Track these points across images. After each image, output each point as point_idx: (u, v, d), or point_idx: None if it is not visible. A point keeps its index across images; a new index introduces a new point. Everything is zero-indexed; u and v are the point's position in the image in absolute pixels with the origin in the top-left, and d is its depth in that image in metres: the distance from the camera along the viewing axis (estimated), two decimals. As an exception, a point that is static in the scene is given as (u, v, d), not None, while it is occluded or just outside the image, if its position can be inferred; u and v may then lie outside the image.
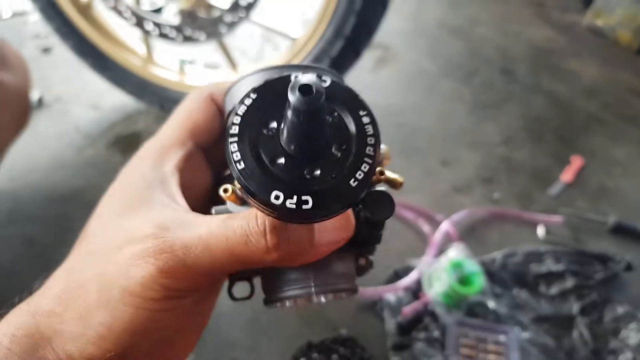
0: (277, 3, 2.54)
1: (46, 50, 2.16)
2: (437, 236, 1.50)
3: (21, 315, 0.42)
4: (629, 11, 2.54)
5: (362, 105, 0.41)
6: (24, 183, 1.60)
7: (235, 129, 0.39)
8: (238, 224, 0.42)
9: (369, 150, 0.39)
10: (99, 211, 0.50)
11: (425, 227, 1.54)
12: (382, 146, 0.49)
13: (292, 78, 0.41)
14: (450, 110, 2.07)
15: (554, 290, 1.42)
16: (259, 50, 2.28)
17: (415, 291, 1.38)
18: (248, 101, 0.40)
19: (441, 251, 1.47)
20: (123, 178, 0.52)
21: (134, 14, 1.59)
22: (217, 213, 0.48)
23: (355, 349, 1.22)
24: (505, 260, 1.45)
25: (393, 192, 0.45)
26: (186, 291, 0.43)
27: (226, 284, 0.54)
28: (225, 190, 0.41)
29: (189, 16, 1.55)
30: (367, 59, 2.28)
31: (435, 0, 2.89)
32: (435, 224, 1.56)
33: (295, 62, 1.57)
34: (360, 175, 0.38)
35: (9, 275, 1.34)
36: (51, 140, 1.76)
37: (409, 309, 1.32)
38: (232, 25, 1.54)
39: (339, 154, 0.39)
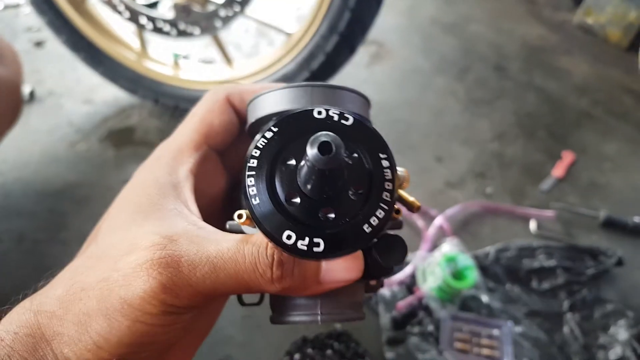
0: (271, -2, 2.54)
1: (39, 43, 2.14)
2: (431, 231, 1.51)
3: (24, 313, 0.42)
4: (618, 9, 2.56)
5: (383, 148, 0.40)
6: (15, 177, 1.59)
7: (253, 163, 0.39)
8: (249, 251, 0.41)
9: (385, 196, 0.38)
10: (111, 212, 0.50)
11: (419, 222, 1.55)
12: (401, 169, 0.47)
13: (315, 114, 0.40)
14: (443, 106, 2.07)
15: (546, 285, 1.43)
16: (254, 45, 2.27)
17: (410, 286, 1.39)
18: (269, 134, 0.39)
19: (435, 246, 1.48)
20: (137, 180, 0.51)
21: (128, 7, 1.58)
22: (231, 228, 0.48)
23: (349, 343, 1.22)
24: (499, 255, 1.46)
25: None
26: (186, 308, 0.42)
27: None
28: (240, 216, 0.41)
29: (183, 10, 1.54)
30: (362, 55, 2.28)
31: (428, -3, 2.90)
32: (429, 219, 1.57)
33: (290, 57, 1.57)
34: (374, 221, 0.38)
35: None
36: (43, 134, 1.75)
37: (403, 304, 1.32)
38: (227, 20, 1.53)
39: (355, 198, 0.38)
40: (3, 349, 0.40)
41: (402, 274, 1.40)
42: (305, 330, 1.26)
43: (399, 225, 0.50)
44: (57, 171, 1.63)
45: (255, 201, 0.38)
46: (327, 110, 0.40)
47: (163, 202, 0.47)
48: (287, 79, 1.56)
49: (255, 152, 0.39)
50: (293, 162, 0.39)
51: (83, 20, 1.70)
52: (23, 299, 0.44)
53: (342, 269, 0.43)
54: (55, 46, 1.86)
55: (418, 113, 2.02)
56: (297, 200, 0.38)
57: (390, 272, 0.52)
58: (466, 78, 2.24)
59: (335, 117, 0.40)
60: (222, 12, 1.51)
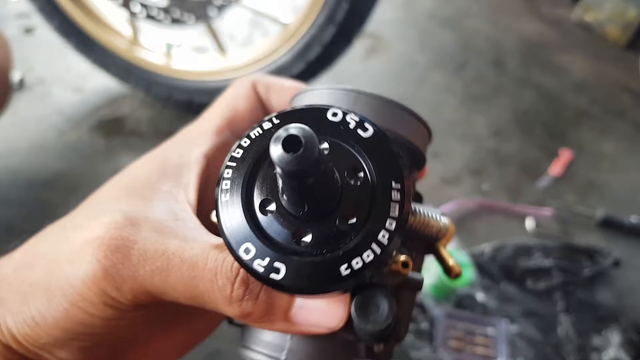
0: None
1: (29, 30, 2.09)
2: (426, 227, 1.49)
3: None
4: (617, 7, 2.54)
5: (397, 175, 0.31)
6: (3, 166, 1.56)
7: (238, 153, 0.33)
8: (213, 257, 0.35)
9: (383, 236, 0.30)
10: (108, 183, 0.46)
11: (415, 218, 1.53)
12: (445, 220, 0.39)
13: (330, 115, 0.32)
14: (440, 101, 2.05)
15: (541, 285, 1.41)
16: (248, 36, 2.24)
17: (404, 282, 1.37)
18: (266, 125, 0.33)
19: (430, 243, 1.46)
20: (147, 156, 0.47)
21: (120, -6, 1.54)
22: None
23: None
24: (495, 254, 1.45)
25: None
26: (129, 305, 0.37)
27: None
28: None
29: (177, -2, 1.51)
30: (358, 48, 2.25)
31: (426, -9, 2.87)
32: (425, 215, 1.54)
33: (286, 48, 1.54)
34: (357, 264, 0.29)
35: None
36: (32, 122, 1.71)
37: (397, 301, 1.30)
38: (221, 8, 1.50)
39: (344, 227, 0.30)
40: None
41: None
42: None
43: (418, 285, 0.40)
44: (46, 160, 1.59)
45: (224, 197, 0.32)
46: (345, 114, 0.33)
47: (159, 182, 0.43)
48: (282, 69, 1.53)
49: (245, 142, 0.33)
50: None
51: (74, 6, 1.66)
52: None
53: (318, 311, 0.36)
54: (45, 33, 1.82)
55: (414, 108, 1.98)
56: (273, 208, 0.31)
57: (398, 333, 0.40)
58: (463, 73, 2.22)
59: (352, 124, 0.32)
60: (217, 0, 1.48)
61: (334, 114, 0.33)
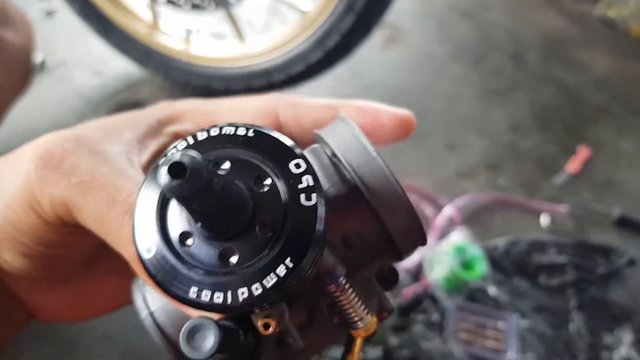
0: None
1: (50, 13, 2.11)
2: (440, 220, 1.49)
3: None
4: (642, 3, 2.50)
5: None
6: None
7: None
8: (122, 183, 0.36)
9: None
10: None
11: (428, 210, 1.53)
12: (370, 317, 0.37)
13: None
14: (457, 94, 2.04)
15: (554, 281, 1.41)
16: (266, 23, 2.24)
17: (416, 273, 1.37)
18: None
19: (443, 235, 1.46)
20: (130, 112, 0.48)
21: (141, -22, 1.55)
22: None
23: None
24: (508, 248, 1.44)
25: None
26: (51, 216, 0.37)
27: None
28: None
29: (198, -17, 1.51)
30: (375, 38, 2.23)
31: (446, -17, 2.85)
32: (438, 208, 1.54)
33: (304, 36, 1.53)
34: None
35: None
36: (52, 104, 1.73)
37: (408, 291, 1.31)
38: (241, -5, 1.50)
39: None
40: None
41: (410, 262, 1.38)
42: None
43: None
44: (64, 142, 1.61)
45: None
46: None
47: (127, 130, 0.43)
48: (300, 57, 1.53)
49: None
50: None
51: (96, -11, 1.68)
52: None
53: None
54: (66, 16, 1.83)
55: (431, 100, 1.98)
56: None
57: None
58: (481, 66, 2.20)
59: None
60: (238, -13, 1.48)
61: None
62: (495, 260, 1.40)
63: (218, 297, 0.29)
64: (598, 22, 2.64)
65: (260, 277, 0.28)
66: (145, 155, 0.43)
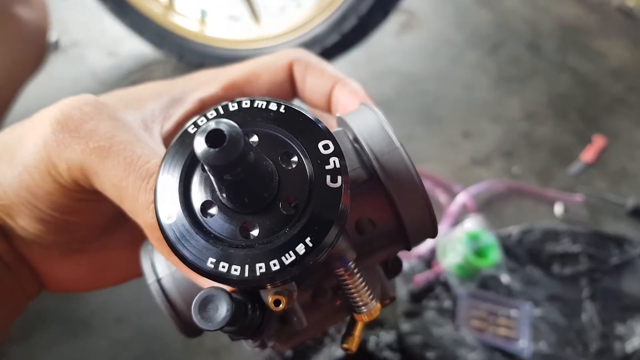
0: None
1: (64, -8, 2.10)
2: (454, 207, 1.48)
3: None
4: (662, -7, 2.45)
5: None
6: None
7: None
8: (155, 162, 0.35)
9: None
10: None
11: (442, 197, 1.52)
12: (375, 302, 0.38)
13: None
14: (474, 81, 2.02)
15: (567, 271, 1.40)
16: (283, 6, 2.22)
17: (429, 260, 1.37)
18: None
19: (457, 222, 1.45)
20: (154, 82, 0.48)
21: (158, -43, 1.54)
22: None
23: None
24: (522, 236, 1.43)
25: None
26: (67, 181, 0.38)
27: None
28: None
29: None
30: (392, 23, 2.21)
31: (463, -32, 2.81)
32: (452, 195, 1.53)
33: (321, 18, 1.52)
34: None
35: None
36: (66, 83, 1.73)
37: (421, 278, 1.30)
38: (258, -24, 1.49)
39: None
40: None
41: (423, 248, 1.37)
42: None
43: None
44: (78, 122, 1.61)
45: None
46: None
47: (149, 101, 0.44)
48: (316, 40, 1.52)
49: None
50: None
51: (111, -32, 1.67)
52: None
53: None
54: (82, -5, 1.83)
55: (447, 86, 1.96)
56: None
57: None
58: (498, 54, 2.18)
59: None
60: (255, -32, 1.47)
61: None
62: (509, 249, 1.40)
63: (235, 270, 0.29)
64: (616, 11, 2.60)
65: (279, 253, 0.28)
66: (169, 124, 0.43)
